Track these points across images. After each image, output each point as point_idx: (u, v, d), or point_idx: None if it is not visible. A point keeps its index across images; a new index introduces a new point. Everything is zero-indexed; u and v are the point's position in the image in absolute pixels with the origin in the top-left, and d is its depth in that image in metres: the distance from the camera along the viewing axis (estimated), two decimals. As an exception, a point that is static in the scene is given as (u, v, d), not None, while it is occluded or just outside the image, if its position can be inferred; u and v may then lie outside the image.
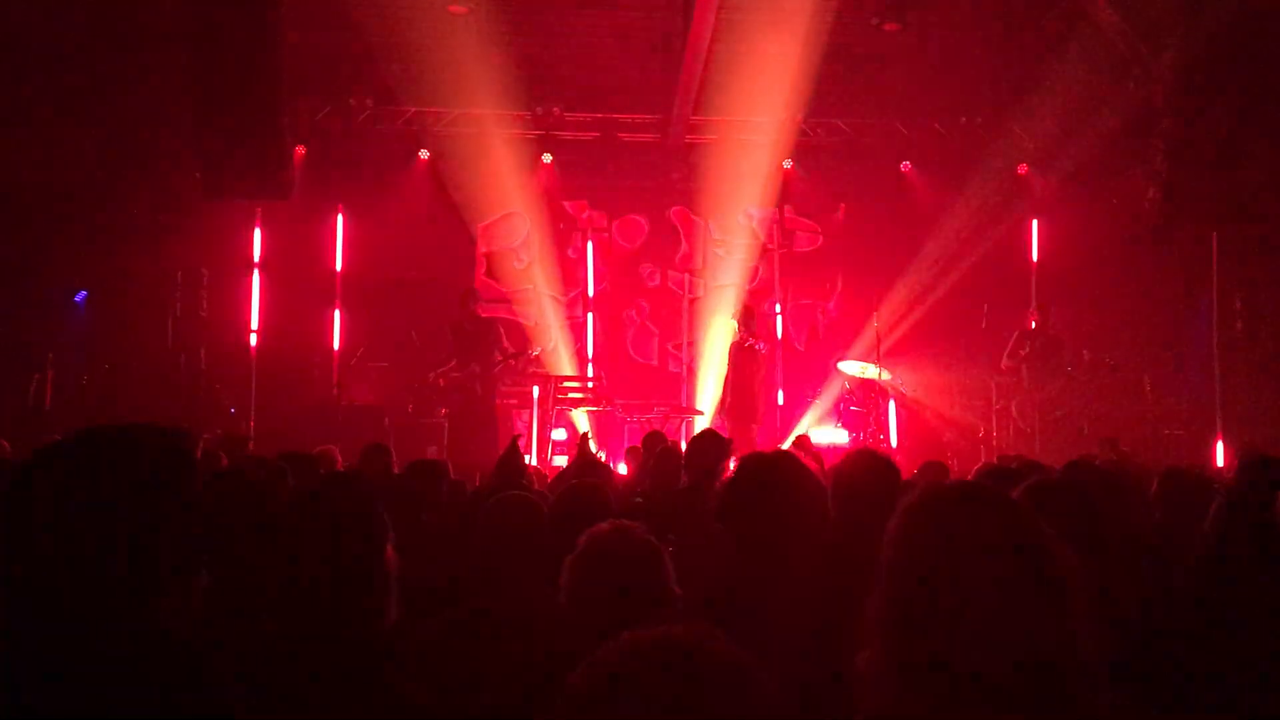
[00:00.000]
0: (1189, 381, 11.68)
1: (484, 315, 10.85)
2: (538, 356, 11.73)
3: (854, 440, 11.58)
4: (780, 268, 13.76)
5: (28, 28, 10.09)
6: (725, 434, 6.77)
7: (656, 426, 11.36)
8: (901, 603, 1.47)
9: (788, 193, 13.68)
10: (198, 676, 1.63)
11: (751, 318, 10.80)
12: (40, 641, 1.48)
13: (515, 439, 4.84)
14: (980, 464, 7.02)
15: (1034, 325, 11.48)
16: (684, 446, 5.81)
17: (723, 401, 11.13)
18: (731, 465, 7.52)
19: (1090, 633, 1.44)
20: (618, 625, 1.31)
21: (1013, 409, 11.18)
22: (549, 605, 2.83)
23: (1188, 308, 12.15)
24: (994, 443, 11.33)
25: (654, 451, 5.60)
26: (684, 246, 13.83)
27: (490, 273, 13.38)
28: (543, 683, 2.39)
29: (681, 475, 5.24)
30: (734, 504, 2.90)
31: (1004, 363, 11.24)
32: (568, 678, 1.27)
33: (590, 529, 2.60)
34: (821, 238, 13.96)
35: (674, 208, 13.78)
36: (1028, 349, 11.02)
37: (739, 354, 10.74)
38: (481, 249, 13.39)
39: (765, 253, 13.73)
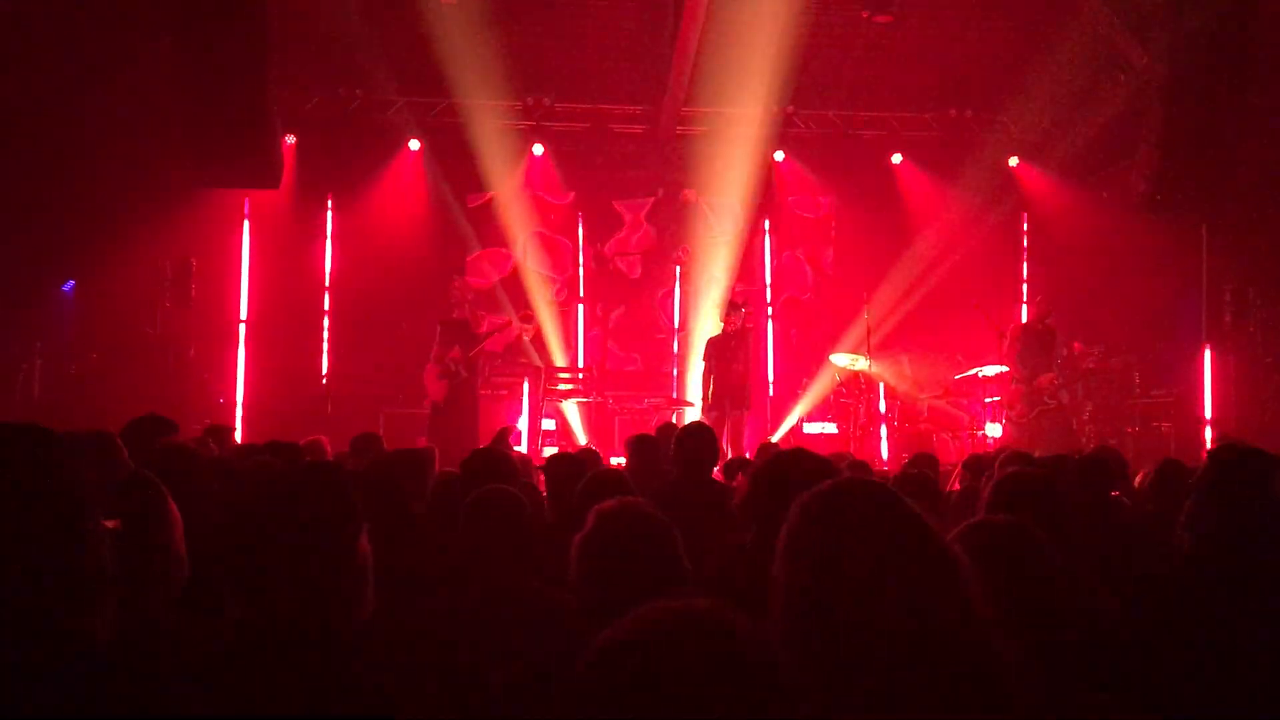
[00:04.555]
0: (1178, 374, 11.71)
1: (476, 290, 10.73)
2: (529, 340, 11.68)
3: (843, 432, 11.60)
4: (771, 258, 13.77)
5: (14, 18, 10.03)
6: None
7: (647, 418, 11.42)
8: (795, 593, 1.53)
9: (778, 184, 13.68)
10: (165, 674, 1.61)
11: (733, 311, 10.71)
12: None
13: (504, 430, 4.82)
14: (967, 456, 7.05)
15: (1025, 321, 11.49)
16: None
17: (704, 397, 10.98)
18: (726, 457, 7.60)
19: (983, 611, 1.50)
20: (630, 604, 1.31)
21: (1003, 402, 11.19)
22: (536, 594, 2.84)
23: (1176, 300, 12.18)
24: (984, 436, 11.35)
25: (631, 441, 5.57)
26: (674, 238, 13.81)
27: (479, 264, 13.36)
28: (545, 665, 2.40)
29: (666, 465, 5.24)
30: (762, 496, 2.87)
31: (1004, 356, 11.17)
32: (588, 648, 1.26)
33: (598, 507, 2.59)
34: (812, 229, 13.98)
35: (664, 199, 13.77)
36: (1019, 345, 10.98)
37: (712, 346, 10.70)
38: (472, 239, 13.33)
39: (755, 244, 13.73)
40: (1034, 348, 10.80)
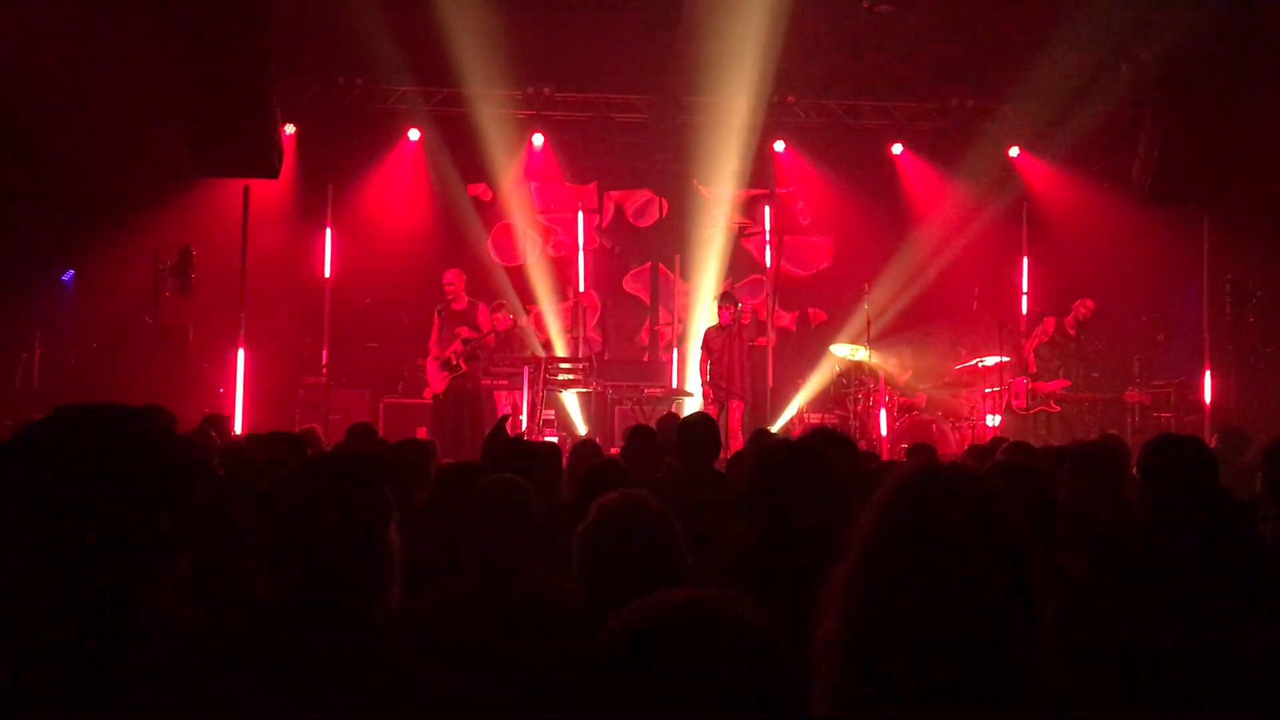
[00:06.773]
0: (1178, 363, 11.73)
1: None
2: (513, 331, 11.66)
3: (843, 422, 11.61)
4: (771, 249, 13.74)
5: (13, 8, 10.00)
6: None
7: (646, 409, 11.42)
8: (871, 579, 1.44)
9: (778, 174, 13.66)
10: (191, 660, 1.62)
11: (726, 302, 10.86)
12: (24, 631, 1.47)
13: (503, 419, 4.82)
14: (967, 446, 7.06)
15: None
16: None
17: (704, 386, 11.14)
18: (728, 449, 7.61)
19: (1052, 644, 1.43)
20: (629, 595, 1.31)
21: (1007, 392, 11.20)
22: (547, 582, 2.85)
23: (1176, 290, 12.20)
24: (984, 426, 11.36)
25: (629, 431, 5.55)
26: (675, 228, 13.79)
27: (486, 252, 13.35)
28: (554, 652, 2.42)
29: (667, 456, 5.24)
30: (764, 490, 2.84)
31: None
32: (597, 636, 1.27)
33: (600, 499, 2.60)
34: (812, 220, 13.96)
35: (664, 188, 13.75)
36: (1042, 340, 10.97)
37: (708, 337, 10.87)
38: (471, 229, 13.31)
39: (756, 234, 13.71)
40: (1057, 348, 10.82)
